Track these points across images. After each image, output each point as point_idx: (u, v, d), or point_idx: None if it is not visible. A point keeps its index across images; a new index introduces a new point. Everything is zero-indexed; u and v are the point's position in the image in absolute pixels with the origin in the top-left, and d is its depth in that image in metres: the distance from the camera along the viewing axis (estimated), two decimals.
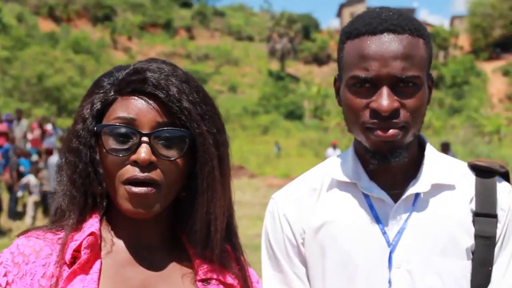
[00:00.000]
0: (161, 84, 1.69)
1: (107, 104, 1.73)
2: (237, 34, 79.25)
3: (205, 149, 1.73)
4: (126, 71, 1.74)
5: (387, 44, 1.98)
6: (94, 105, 1.73)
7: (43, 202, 18.90)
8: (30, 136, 23.46)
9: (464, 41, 79.05)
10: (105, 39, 63.40)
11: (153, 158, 1.67)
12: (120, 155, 1.68)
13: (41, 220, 18.90)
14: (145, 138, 1.67)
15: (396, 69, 1.96)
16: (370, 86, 1.99)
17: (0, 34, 51.12)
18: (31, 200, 18.24)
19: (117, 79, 1.73)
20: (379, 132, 1.98)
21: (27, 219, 18.24)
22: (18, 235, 1.75)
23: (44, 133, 24.09)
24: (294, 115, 55.92)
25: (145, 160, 1.65)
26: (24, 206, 19.18)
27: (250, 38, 78.59)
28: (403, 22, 2.01)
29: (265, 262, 2.23)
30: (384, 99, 1.96)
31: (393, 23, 2.00)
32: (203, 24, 78.56)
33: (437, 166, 2.14)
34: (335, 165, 2.21)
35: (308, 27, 76.12)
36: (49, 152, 20.59)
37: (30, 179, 18.78)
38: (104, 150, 1.69)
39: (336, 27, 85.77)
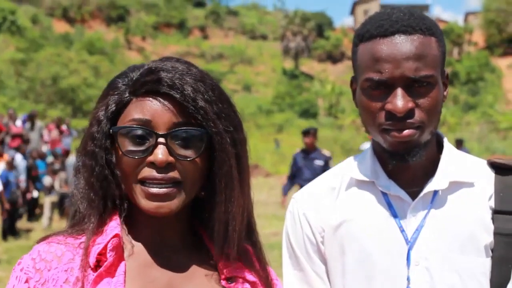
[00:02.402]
0: (176, 84, 1.67)
1: (122, 106, 1.71)
2: (251, 33, 79.22)
3: (222, 148, 1.71)
4: (140, 71, 1.72)
5: (399, 45, 2.00)
6: (109, 107, 1.72)
7: (61, 204, 18.97)
8: (46, 137, 23.52)
9: (478, 37, 78.68)
10: (119, 40, 63.52)
11: (171, 158, 1.65)
12: (137, 156, 1.66)
13: (58, 222, 18.97)
14: (161, 139, 1.65)
15: (409, 70, 1.97)
16: (384, 88, 2.01)
17: (15, 36, 51.35)
18: (48, 201, 18.31)
19: (132, 80, 1.72)
20: (395, 133, 2.00)
21: (44, 220, 18.30)
22: (38, 241, 1.73)
23: (61, 134, 24.17)
24: (308, 113, 55.83)
25: (163, 161, 1.64)
26: (41, 207, 19.26)
27: (264, 37, 78.55)
28: (414, 22, 2.02)
29: (286, 261, 2.25)
30: (399, 100, 1.97)
31: (404, 24, 2.02)
32: (216, 24, 78.61)
33: (455, 163, 2.14)
34: (353, 165, 2.23)
35: (321, 25, 76.01)
36: (65, 153, 20.68)
37: (46, 180, 18.86)
38: (120, 152, 1.68)
39: (349, 24, 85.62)
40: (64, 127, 25.16)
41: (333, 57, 73.52)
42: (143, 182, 1.67)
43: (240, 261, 1.80)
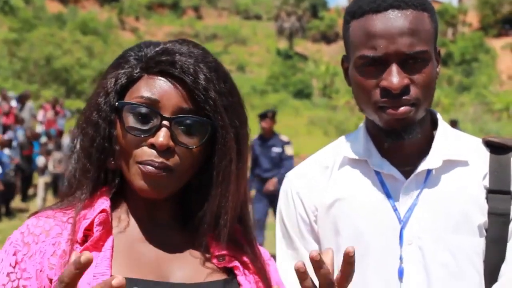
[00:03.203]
0: (190, 69, 1.65)
1: (132, 80, 1.69)
2: (245, 13, 79.04)
3: (225, 142, 1.70)
4: (156, 49, 1.70)
5: (393, 20, 1.98)
6: (119, 80, 1.69)
7: (54, 184, 18.97)
8: (41, 117, 23.50)
9: (472, 18, 78.56)
10: (112, 20, 63.29)
11: (171, 143, 1.64)
12: (138, 135, 1.65)
13: (52, 202, 18.96)
14: (165, 122, 1.64)
15: (404, 45, 1.96)
16: (379, 64, 1.99)
17: (8, 16, 51.12)
18: (42, 181, 18.31)
19: (145, 56, 1.70)
20: (391, 110, 1.99)
21: (38, 201, 18.31)
22: (29, 216, 1.73)
23: (57, 114, 24.15)
24: (302, 94, 55.79)
25: (163, 145, 1.62)
26: (35, 187, 19.27)
27: (258, 17, 78.35)
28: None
29: (279, 240, 2.25)
30: (394, 77, 1.96)
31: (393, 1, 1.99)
32: (210, 4, 78.38)
33: (449, 142, 2.13)
34: (346, 143, 2.22)
35: (316, 6, 75.86)
36: (59, 134, 20.66)
37: (40, 160, 18.85)
38: (123, 128, 1.67)
39: (344, 5, 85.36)
40: (58, 107, 25.16)
41: (327, 38, 73.40)
42: (141, 163, 1.65)
43: (229, 242, 1.79)
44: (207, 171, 1.74)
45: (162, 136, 1.63)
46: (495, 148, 2.15)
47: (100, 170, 1.71)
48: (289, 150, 11.96)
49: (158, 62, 1.67)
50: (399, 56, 1.97)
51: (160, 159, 1.64)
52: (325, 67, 58.98)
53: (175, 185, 1.69)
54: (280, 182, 9.30)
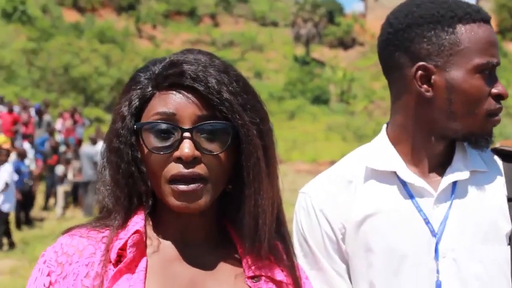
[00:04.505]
0: (199, 76, 1.64)
1: (145, 101, 1.69)
2: (262, 20, 79.01)
3: (249, 140, 1.68)
4: (162, 64, 1.70)
5: (494, 33, 2.07)
6: (132, 102, 1.69)
7: (74, 193, 19.05)
8: (60, 126, 23.62)
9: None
10: (129, 28, 63.49)
11: (197, 153, 1.63)
12: (162, 152, 1.64)
13: (72, 210, 19.03)
14: (186, 134, 1.63)
15: (498, 56, 2.06)
16: (489, 73, 2.04)
17: (26, 25, 51.40)
18: (61, 190, 18.38)
19: (154, 74, 1.69)
20: (498, 117, 2.06)
21: (57, 210, 18.39)
22: (62, 233, 1.73)
23: (75, 123, 24.27)
24: (320, 99, 55.69)
25: (189, 156, 1.61)
26: (55, 196, 19.33)
27: (275, 24, 78.33)
28: None
29: (301, 260, 2.16)
30: (502, 86, 2.04)
31: (486, 14, 2.09)
32: (227, 11, 78.44)
33: (469, 152, 2.13)
34: (370, 155, 2.17)
35: (332, 12, 75.73)
36: (78, 143, 20.74)
37: (59, 169, 18.93)
38: (146, 149, 1.66)
39: (360, 10, 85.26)
40: (77, 116, 25.27)
41: (344, 44, 73.28)
42: (172, 181, 1.63)
43: (267, 258, 1.76)
44: (239, 176, 1.72)
45: (186, 148, 1.62)
46: (506, 156, 2.16)
47: (131, 195, 1.70)
48: None
49: (166, 76, 1.67)
50: (497, 66, 2.06)
51: (189, 170, 1.62)
52: (343, 73, 58.90)
53: (211, 195, 1.67)
54: None
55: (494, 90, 2.04)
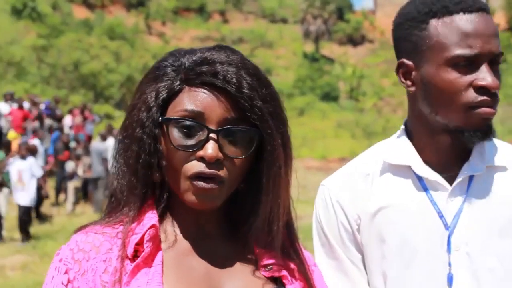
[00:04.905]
0: (233, 78, 1.65)
1: (173, 93, 1.69)
2: (271, 16, 78.74)
3: (274, 150, 1.70)
4: (194, 58, 1.69)
5: (484, 22, 2.01)
6: (160, 94, 1.69)
7: (84, 189, 19.09)
8: (70, 122, 23.67)
9: (500, 18, 77.78)
10: (139, 25, 63.39)
11: (220, 155, 1.64)
12: (187, 150, 1.65)
13: (82, 206, 19.08)
14: (212, 135, 1.64)
15: (495, 46, 2.00)
16: (470, 64, 2.00)
17: (36, 22, 51.41)
18: (71, 186, 18.43)
19: (184, 67, 1.69)
20: (486, 109, 2.00)
21: (68, 205, 18.44)
22: (76, 231, 1.73)
23: (85, 120, 24.31)
24: (329, 96, 55.52)
25: (213, 157, 1.62)
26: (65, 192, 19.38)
27: (284, 20, 78.06)
28: (483, 3, 2.05)
29: (318, 249, 2.24)
30: (490, 76, 1.99)
31: (481, 2, 2.04)
32: (236, 7, 78.24)
33: (488, 147, 2.13)
34: (387, 149, 2.20)
35: (341, 8, 75.44)
36: (88, 139, 20.80)
37: (69, 165, 18.98)
38: (170, 144, 1.67)
39: (369, 7, 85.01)
40: (87, 112, 25.31)
41: (353, 40, 73.01)
42: (193, 178, 1.65)
43: (279, 251, 1.78)
44: (253, 177, 1.74)
45: (211, 149, 1.63)
46: None
47: (147, 186, 1.71)
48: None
49: (199, 73, 1.67)
50: (490, 56, 2.01)
51: (211, 170, 1.63)
52: (352, 70, 58.70)
53: (225, 195, 1.70)
54: None
55: (476, 82, 2.01)
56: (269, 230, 1.75)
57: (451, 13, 2.04)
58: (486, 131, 2.04)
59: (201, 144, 1.64)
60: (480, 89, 2.00)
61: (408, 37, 2.12)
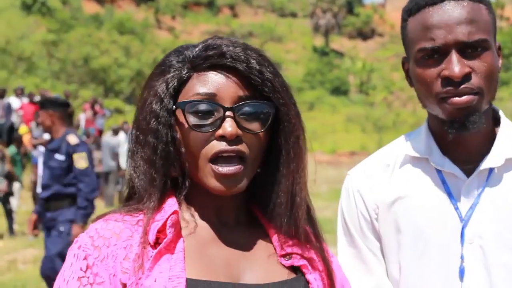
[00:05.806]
0: (241, 56, 1.68)
1: (182, 82, 1.70)
2: (281, 10, 78.72)
3: (290, 119, 1.72)
4: (198, 47, 1.72)
5: (450, 11, 1.99)
6: (170, 84, 1.70)
7: None
8: (82, 116, 23.70)
9: (510, 12, 77.58)
10: (149, 19, 63.47)
11: (239, 131, 1.65)
12: (205, 131, 1.66)
13: None
14: (229, 113, 1.65)
15: (462, 34, 1.96)
16: (439, 56, 1.99)
17: (45, 17, 51.53)
18: None
19: (190, 57, 1.71)
20: (454, 99, 1.98)
21: None
22: (94, 220, 1.73)
23: (95, 114, 24.35)
24: (339, 90, 55.51)
25: (233, 134, 1.64)
26: None
27: (294, 14, 78.03)
28: None
29: (341, 238, 2.26)
30: (455, 65, 1.96)
31: None
32: (246, 2, 78.23)
33: (509, 139, 2.11)
34: (408, 142, 2.21)
35: (351, 2, 75.36)
36: (99, 133, 20.82)
37: None
38: (187, 127, 1.67)
39: (379, 1, 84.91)
40: (97, 107, 25.35)
41: (363, 34, 72.92)
42: (214, 160, 1.66)
43: (298, 238, 1.78)
44: (271, 157, 1.75)
45: (229, 126, 1.64)
46: None
47: (166, 177, 1.71)
48: (80, 160, 8.05)
49: (206, 57, 1.69)
50: (458, 45, 1.98)
51: (233, 147, 1.65)
52: (362, 64, 58.65)
53: (249, 177, 1.70)
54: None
55: (442, 73, 2.00)
56: (293, 202, 1.75)
57: (419, 9, 2.06)
58: (463, 122, 2.01)
59: (219, 123, 1.66)
60: (445, 80, 2.00)
61: (401, 35, 2.16)
